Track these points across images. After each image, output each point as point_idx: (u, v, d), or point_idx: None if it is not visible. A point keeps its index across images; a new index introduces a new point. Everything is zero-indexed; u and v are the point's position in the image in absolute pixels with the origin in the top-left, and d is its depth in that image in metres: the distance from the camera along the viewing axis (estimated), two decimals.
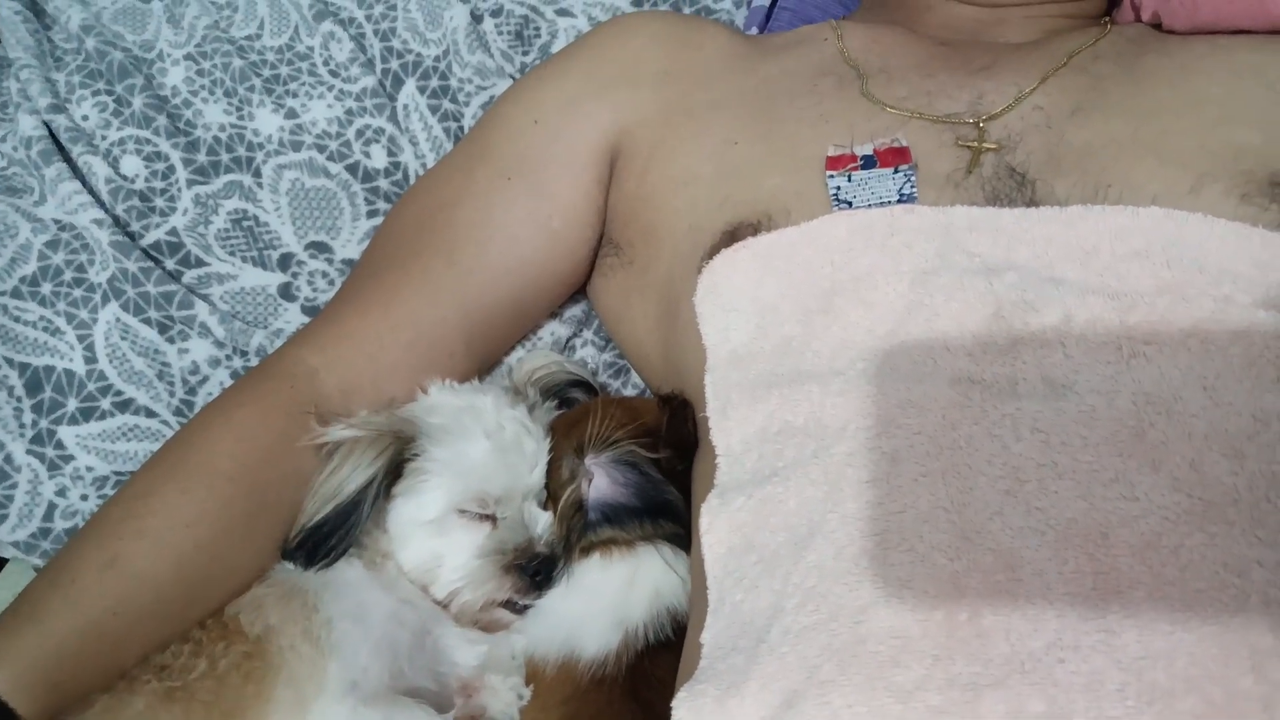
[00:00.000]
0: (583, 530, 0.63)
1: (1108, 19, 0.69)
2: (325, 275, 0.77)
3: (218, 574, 0.59)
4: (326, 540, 0.61)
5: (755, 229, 0.59)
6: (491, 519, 0.64)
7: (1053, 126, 0.58)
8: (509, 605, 0.65)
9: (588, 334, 0.81)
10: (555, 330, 0.79)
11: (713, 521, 0.54)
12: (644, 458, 0.63)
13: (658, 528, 0.64)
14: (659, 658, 0.62)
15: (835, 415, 0.52)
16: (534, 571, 0.64)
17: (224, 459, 0.60)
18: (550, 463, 0.66)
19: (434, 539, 0.64)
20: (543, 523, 0.66)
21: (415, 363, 0.67)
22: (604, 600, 0.63)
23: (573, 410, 0.70)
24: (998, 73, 0.62)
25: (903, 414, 0.50)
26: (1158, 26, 0.65)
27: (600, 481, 0.63)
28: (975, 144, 0.59)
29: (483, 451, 0.64)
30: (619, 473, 0.63)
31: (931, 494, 0.47)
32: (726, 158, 0.65)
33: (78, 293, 0.73)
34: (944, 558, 0.45)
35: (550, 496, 0.67)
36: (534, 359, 0.75)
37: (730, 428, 0.56)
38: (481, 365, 0.72)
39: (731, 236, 0.60)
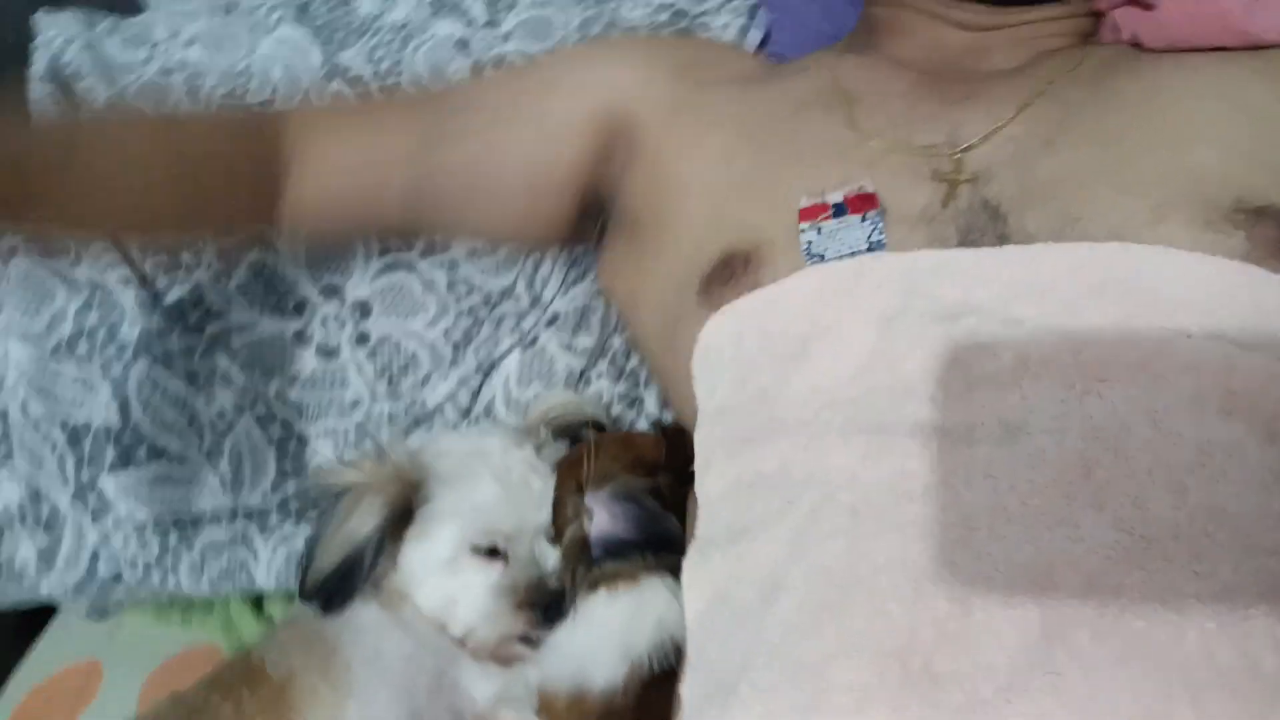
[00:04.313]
0: (588, 566, 0.65)
1: (1094, 38, 0.67)
2: (337, 318, 0.80)
3: (143, 215, 0.67)
4: (340, 587, 0.63)
5: (746, 259, 0.60)
6: (503, 558, 0.66)
7: (1025, 158, 0.57)
8: (525, 641, 0.67)
9: (602, 365, 0.83)
10: (569, 363, 0.81)
11: (693, 577, 0.56)
12: (642, 490, 0.64)
13: (659, 559, 0.64)
14: (664, 687, 0.63)
15: (801, 467, 0.53)
16: (546, 608, 0.65)
17: (189, 142, 0.67)
18: (555, 502, 0.68)
19: (448, 580, 0.66)
20: (553, 559, 0.67)
21: (357, 182, 0.71)
22: (610, 633, 0.64)
23: (574, 449, 0.71)
24: (976, 103, 0.61)
25: (862, 466, 0.50)
26: (1139, 46, 0.63)
27: (601, 517, 0.64)
28: (952, 176, 0.58)
29: (491, 493, 0.66)
30: (618, 507, 0.64)
31: (888, 546, 0.48)
32: (722, 179, 0.65)
33: (111, 350, 0.77)
34: (899, 608, 0.46)
35: (557, 534, 0.68)
36: (550, 399, 0.77)
37: (710, 482, 0.58)
38: (410, 228, 0.76)
39: (725, 264, 0.61)
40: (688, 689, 0.53)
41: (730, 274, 0.60)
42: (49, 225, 0.66)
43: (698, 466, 0.59)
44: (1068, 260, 0.52)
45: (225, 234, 0.74)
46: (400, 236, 0.78)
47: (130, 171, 0.66)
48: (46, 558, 0.76)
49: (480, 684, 0.66)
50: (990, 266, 0.53)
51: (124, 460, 0.76)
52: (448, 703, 0.64)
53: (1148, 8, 0.60)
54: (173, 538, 0.78)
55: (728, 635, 0.51)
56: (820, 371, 0.54)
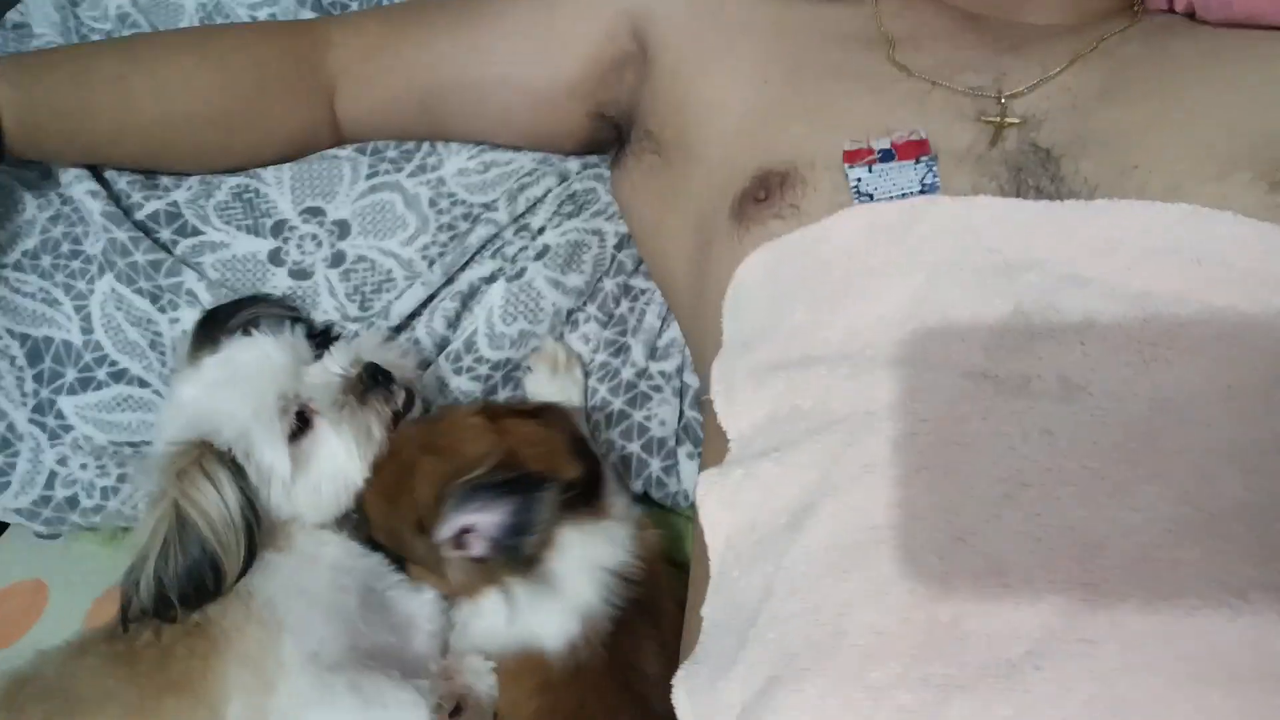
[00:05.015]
0: (514, 554, 0.59)
1: (1140, 6, 0.65)
2: (314, 238, 0.75)
3: (184, 147, 0.74)
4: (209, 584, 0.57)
5: (783, 178, 0.59)
6: (310, 410, 0.61)
7: (1079, 107, 0.56)
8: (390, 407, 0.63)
9: (591, 308, 0.77)
10: (557, 301, 0.75)
11: (708, 492, 0.54)
12: (489, 474, 0.58)
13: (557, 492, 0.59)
14: (645, 648, 0.60)
15: (842, 400, 0.51)
16: (372, 377, 0.62)
17: (243, 63, 0.72)
18: (404, 546, 0.62)
19: (310, 473, 0.60)
20: (333, 354, 0.63)
21: (387, 90, 0.76)
22: (545, 590, 0.60)
23: (382, 478, 0.62)
24: (1025, 52, 0.60)
25: (911, 399, 0.48)
26: (1192, 16, 0.62)
27: (482, 527, 0.58)
28: (997, 119, 0.57)
29: (236, 393, 0.60)
30: (480, 501, 0.57)
31: (929, 490, 0.45)
32: (755, 96, 0.64)
33: (75, 264, 0.73)
34: (934, 557, 0.44)
35: (434, 570, 0.62)
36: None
37: (739, 412, 0.56)
38: (431, 131, 0.79)
39: (761, 182, 0.60)
40: (708, 610, 0.52)
41: (765, 193, 0.59)
42: (112, 156, 0.73)
43: (715, 396, 0.58)
44: (1135, 220, 0.50)
45: (281, 144, 0.76)
46: (423, 138, 0.79)
47: (176, 86, 0.70)
48: (2, 476, 0.72)
49: (410, 597, 0.63)
50: (1053, 220, 0.52)
51: (84, 381, 0.72)
52: (383, 619, 0.62)
53: None
54: (132, 464, 0.74)
55: (752, 560, 0.50)
56: (863, 313, 0.53)
